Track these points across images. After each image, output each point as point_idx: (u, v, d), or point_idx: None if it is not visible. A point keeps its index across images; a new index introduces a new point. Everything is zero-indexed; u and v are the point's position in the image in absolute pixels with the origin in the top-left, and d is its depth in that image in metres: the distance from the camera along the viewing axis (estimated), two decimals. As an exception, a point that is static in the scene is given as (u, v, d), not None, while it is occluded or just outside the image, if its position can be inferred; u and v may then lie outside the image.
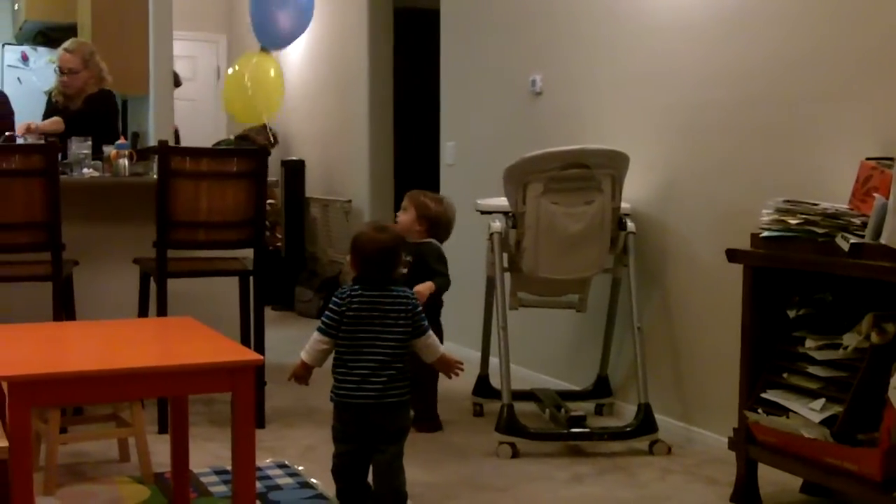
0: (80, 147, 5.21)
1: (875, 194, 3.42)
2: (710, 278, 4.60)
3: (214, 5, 11.30)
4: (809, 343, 3.62)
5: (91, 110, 6.05)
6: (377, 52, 8.16)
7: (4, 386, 2.89)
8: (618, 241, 4.82)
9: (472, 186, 5.88)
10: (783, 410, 3.62)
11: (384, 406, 3.61)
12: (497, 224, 4.78)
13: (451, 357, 3.84)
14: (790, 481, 3.97)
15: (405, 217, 4.97)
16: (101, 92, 6.14)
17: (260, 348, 4.83)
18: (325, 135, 9.02)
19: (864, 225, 3.42)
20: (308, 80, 9.34)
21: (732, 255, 3.86)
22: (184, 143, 8.35)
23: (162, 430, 4.65)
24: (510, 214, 4.76)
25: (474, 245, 5.23)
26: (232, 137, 9.49)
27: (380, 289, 3.66)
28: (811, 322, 3.70)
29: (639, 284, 4.80)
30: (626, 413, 4.99)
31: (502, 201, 4.83)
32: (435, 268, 4.86)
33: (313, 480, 4.09)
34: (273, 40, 8.57)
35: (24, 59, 9.67)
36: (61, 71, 6.06)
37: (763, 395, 3.73)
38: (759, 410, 3.71)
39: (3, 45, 9.74)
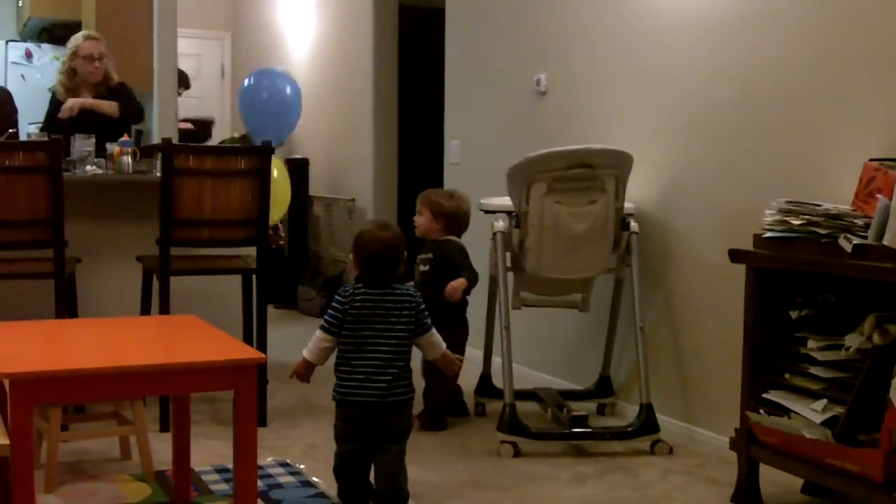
0: (83, 144, 5.21)
1: (878, 195, 3.42)
2: (712, 279, 4.59)
3: (219, 3, 11.29)
4: (811, 344, 3.62)
5: (119, 100, 6.08)
6: (382, 50, 8.15)
7: (6, 383, 2.89)
8: (621, 241, 4.81)
9: (476, 185, 5.88)
10: (785, 411, 3.62)
11: (387, 405, 3.61)
12: (500, 223, 4.77)
13: (452, 354, 3.85)
14: (791, 482, 3.96)
15: (422, 220, 5.02)
16: (122, 85, 6.20)
17: (262, 347, 4.83)
18: (329, 133, 9.02)
19: (867, 226, 3.42)
20: (313, 79, 9.34)
21: (735, 255, 3.86)
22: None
23: (163, 428, 4.65)
24: (514, 214, 4.75)
25: (478, 244, 5.22)
26: (237, 135, 9.49)
27: (383, 287, 3.67)
28: (813, 323, 3.69)
29: (641, 284, 4.80)
30: (628, 413, 4.99)
31: (506, 201, 4.83)
32: (461, 263, 4.93)
33: (315, 479, 4.09)
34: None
35: (28, 55, 9.67)
36: (91, 58, 6.04)
37: (765, 396, 3.73)
38: (761, 411, 3.71)
39: (6, 42, 9.74)
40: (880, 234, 3.34)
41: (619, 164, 4.70)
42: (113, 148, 5.24)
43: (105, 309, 5.13)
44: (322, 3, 9.19)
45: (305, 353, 3.70)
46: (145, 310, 5.03)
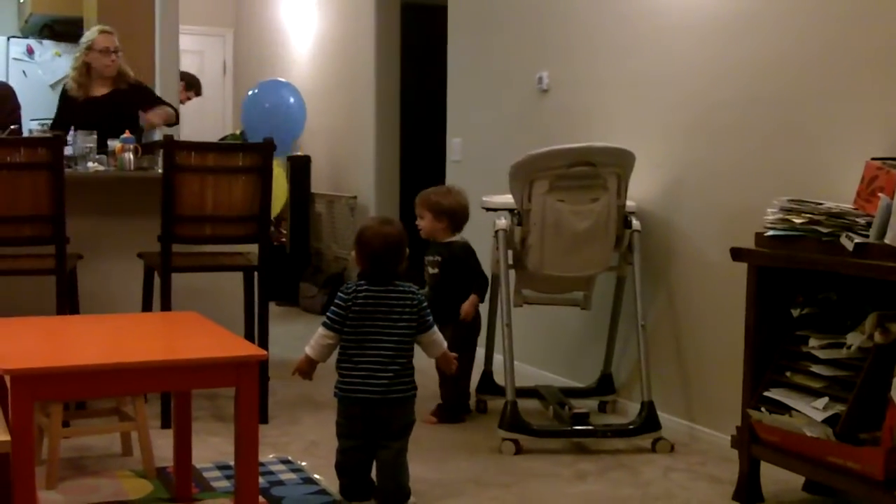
0: (85, 141, 5.21)
1: (880, 194, 3.41)
2: (714, 277, 4.59)
3: (222, 0, 11.29)
4: (813, 342, 3.62)
5: (123, 105, 6.07)
6: (384, 47, 8.15)
7: (7, 379, 2.89)
8: (623, 239, 4.81)
9: (478, 183, 5.87)
10: (786, 409, 3.62)
11: (389, 401, 3.62)
12: (502, 221, 4.77)
13: (451, 354, 3.87)
14: (793, 480, 3.96)
15: (424, 222, 5.04)
16: (134, 87, 6.19)
17: (264, 344, 4.83)
18: (331, 130, 9.01)
19: (869, 225, 3.42)
20: (314, 76, 9.34)
21: (737, 253, 3.86)
22: (190, 138, 8.34)
23: (165, 424, 4.66)
24: (516, 212, 4.75)
25: (479, 242, 5.22)
26: (238, 132, 9.48)
27: (385, 284, 3.67)
28: (815, 321, 3.69)
29: (643, 282, 4.80)
30: (630, 411, 4.99)
31: (508, 198, 4.83)
32: (471, 266, 5.03)
33: (317, 476, 4.09)
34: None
35: (30, 52, 9.67)
36: (108, 51, 6.03)
37: (766, 394, 3.73)
38: (763, 409, 3.71)
39: (8, 39, 9.74)
40: (882, 233, 3.34)
41: (621, 162, 4.70)
42: (114, 144, 5.24)
43: (106, 305, 5.13)
44: (324, 1, 9.18)
45: (308, 350, 3.71)
46: (147, 306, 5.03)
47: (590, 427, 4.63)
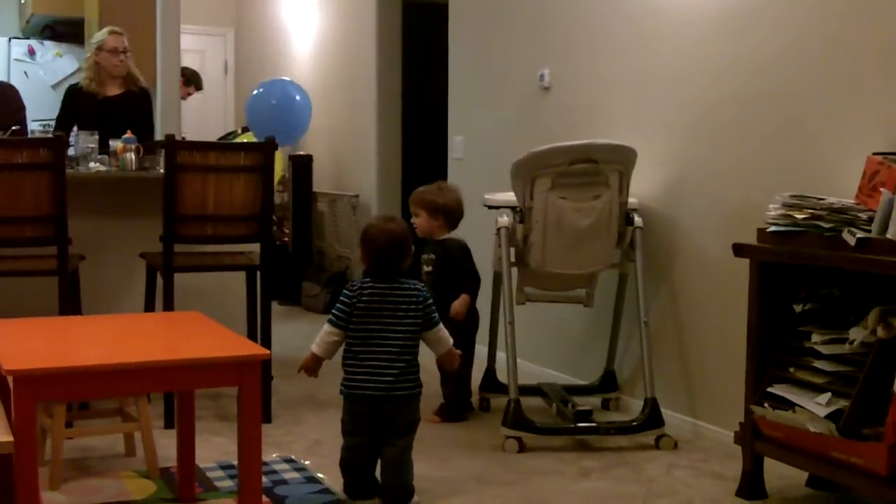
0: (86, 141, 5.21)
1: (882, 189, 3.41)
2: (716, 273, 4.59)
3: (222, -1, 11.30)
4: (816, 338, 3.62)
5: (134, 107, 6.13)
6: (385, 46, 8.14)
7: (10, 380, 2.90)
8: (625, 236, 4.81)
9: (480, 181, 5.87)
10: (789, 405, 3.62)
11: (394, 398, 3.62)
12: (504, 219, 4.77)
13: (455, 350, 3.87)
14: (796, 476, 3.96)
15: (420, 220, 5.03)
16: (144, 92, 6.25)
17: (267, 343, 4.83)
18: (332, 129, 9.01)
19: (871, 220, 3.41)
20: (316, 75, 9.33)
21: (739, 249, 3.85)
22: (191, 137, 8.34)
23: (168, 424, 4.66)
24: (518, 209, 4.75)
25: (481, 240, 5.22)
26: (239, 131, 9.49)
27: (390, 281, 3.68)
28: (818, 317, 3.69)
29: (646, 279, 4.79)
30: (633, 408, 4.99)
31: (510, 196, 4.83)
32: (463, 265, 5.00)
33: (320, 475, 4.09)
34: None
35: (31, 53, 9.68)
36: (116, 51, 6.08)
37: (769, 390, 3.72)
38: (766, 405, 3.71)
39: (9, 39, 9.74)
40: (884, 228, 3.34)
41: (622, 159, 4.70)
42: (116, 145, 5.24)
43: (109, 306, 5.13)
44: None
45: (313, 347, 3.72)
46: (149, 306, 5.03)
47: (593, 424, 4.62)
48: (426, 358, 3.85)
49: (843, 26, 4.00)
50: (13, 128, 5.52)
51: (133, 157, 5.19)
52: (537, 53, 5.87)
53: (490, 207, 5.06)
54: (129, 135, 5.28)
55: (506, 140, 6.10)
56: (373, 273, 3.71)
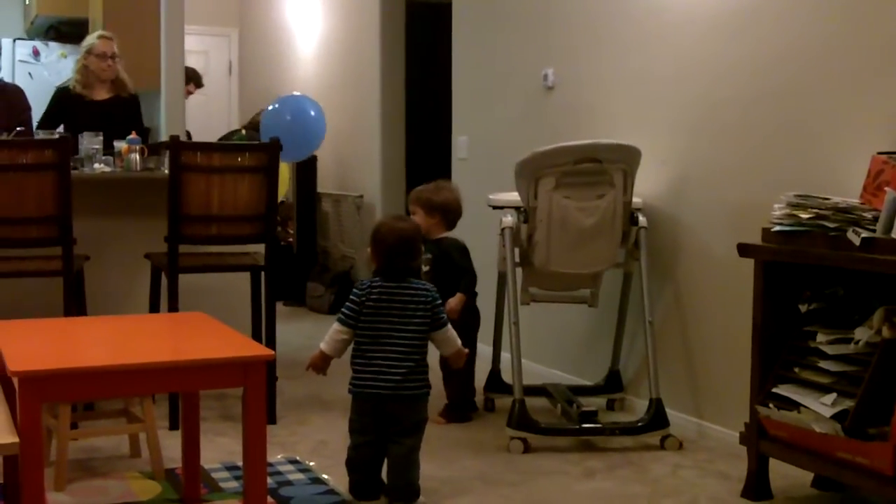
0: (91, 142, 5.22)
1: (886, 188, 3.41)
2: (721, 273, 4.59)
3: (226, 0, 11.29)
4: (821, 338, 3.61)
5: (122, 111, 6.19)
6: (389, 46, 8.14)
7: (15, 381, 2.90)
8: (629, 235, 4.81)
9: (484, 181, 5.87)
10: (794, 405, 3.61)
11: (400, 398, 3.63)
12: (509, 219, 4.77)
13: (463, 350, 3.88)
14: (801, 476, 3.96)
15: (417, 219, 5.01)
16: (133, 98, 6.32)
17: (271, 343, 4.83)
18: (336, 130, 9.00)
19: (876, 219, 3.41)
20: (320, 75, 9.34)
21: (744, 249, 3.85)
22: (196, 137, 8.34)
23: (173, 425, 4.66)
24: (522, 209, 4.75)
25: (486, 240, 5.22)
26: (243, 132, 9.48)
27: (400, 280, 3.69)
28: (823, 316, 3.69)
29: (650, 279, 4.79)
30: (638, 408, 4.98)
31: (514, 196, 4.83)
32: (459, 263, 4.98)
33: (325, 476, 4.09)
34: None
35: (36, 53, 9.68)
36: (105, 56, 6.19)
37: (774, 390, 3.72)
38: (771, 405, 3.70)
39: (14, 40, 9.75)
40: (889, 227, 3.34)
41: (627, 158, 4.69)
42: (121, 145, 5.25)
43: (113, 306, 5.13)
44: (329, 0, 9.18)
45: (322, 346, 3.73)
46: (154, 307, 5.04)
47: (598, 425, 4.62)
48: (429, 358, 3.84)
49: (846, 25, 4.00)
50: (18, 128, 5.53)
51: (137, 157, 5.20)
52: (541, 53, 5.87)
53: (494, 207, 5.06)
54: (133, 135, 5.29)
55: (510, 140, 6.10)
56: (382, 272, 3.72)
